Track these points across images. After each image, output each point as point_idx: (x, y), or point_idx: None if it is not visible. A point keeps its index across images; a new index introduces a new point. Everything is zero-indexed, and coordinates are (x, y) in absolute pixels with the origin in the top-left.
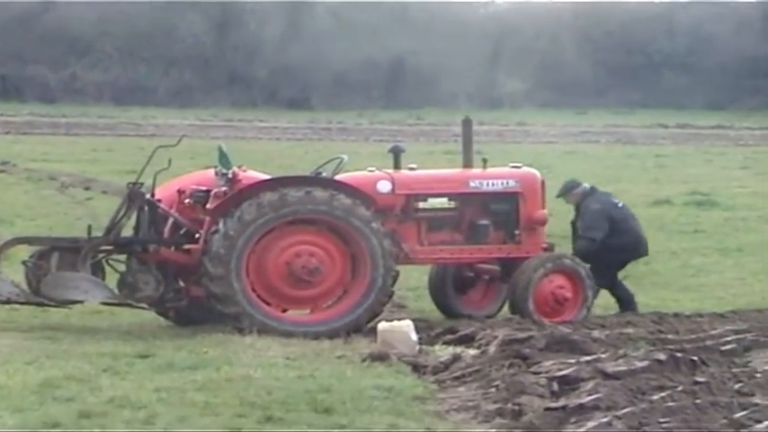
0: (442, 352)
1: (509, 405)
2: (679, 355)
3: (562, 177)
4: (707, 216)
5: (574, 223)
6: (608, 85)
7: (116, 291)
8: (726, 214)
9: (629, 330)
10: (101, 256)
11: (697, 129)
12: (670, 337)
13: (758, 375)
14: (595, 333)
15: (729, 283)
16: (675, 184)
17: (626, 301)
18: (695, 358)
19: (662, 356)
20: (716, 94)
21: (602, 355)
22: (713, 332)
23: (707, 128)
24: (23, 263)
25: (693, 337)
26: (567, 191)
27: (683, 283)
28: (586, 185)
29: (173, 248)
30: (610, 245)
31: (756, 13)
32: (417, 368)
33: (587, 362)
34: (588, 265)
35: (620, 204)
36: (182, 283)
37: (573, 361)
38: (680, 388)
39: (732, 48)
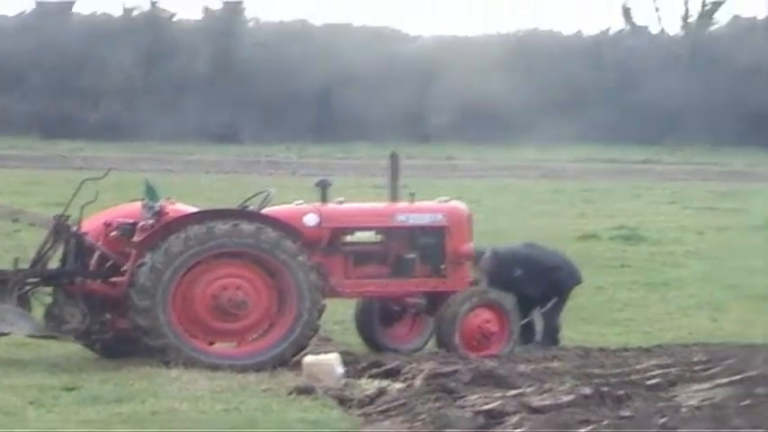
0: (368, 385)
1: None
2: (604, 389)
3: (490, 212)
4: (634, 251)
5: (506, 281)
6: (536, 119)
7: (42, 323)
8: (653, 249)
9: (555, 365)
10: (27, 288)
11: (625, 163)
12: (596, 371)
13: (683, 410)
14: (521, 367)
15: (655, 317)
16: (602, 218)
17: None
18: (621, 393)
19: (587, 391)
20: (644, 129)
21: (528, 390)
22: (639, 367)
23: (635, 162)
24: None
25: (619, 371)
26: (478, 257)
27: (609, 318)
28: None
29: (99, 281)
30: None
31: (684, 48)
32: (343, 402)
33: (513, 396)
34: (516, 299)
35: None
36: (108, 316)
37: (498, 395)
38: (605, 422)
39: (660, 82)
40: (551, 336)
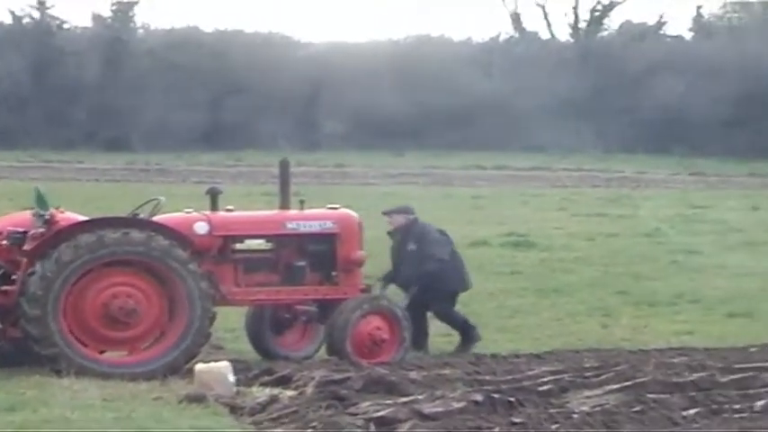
0: (260, 393)
1: None
2: (496, 396)
3: (380, 219)
4: (524, 257)
5: (399, 249)
6: (426, 127)
7: None
8: (543, 255)
9: (447, 371)
10: None
11: (514, 170)
12: (487, 378)
13: (575, 416)
14: (413, 374)
15: (546, 324)
16: (492, 225)
17: (468, 334)
18: (512, 399)
19: (479, 397)
20: (534, 136)
21: (420, 397)
22: (530, 373)
23: (524, 169)
24: None
25: (510, 378)
26: (402, 212)
27: (501, 324)
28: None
29: None
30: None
31: (574, 54)
32: (235, 410)
33: (404, 403)
34: (406, 302)
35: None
36: None
37: (390, 402)
38: (497, 429)
39: (550, 89)
40: (466, 329)
